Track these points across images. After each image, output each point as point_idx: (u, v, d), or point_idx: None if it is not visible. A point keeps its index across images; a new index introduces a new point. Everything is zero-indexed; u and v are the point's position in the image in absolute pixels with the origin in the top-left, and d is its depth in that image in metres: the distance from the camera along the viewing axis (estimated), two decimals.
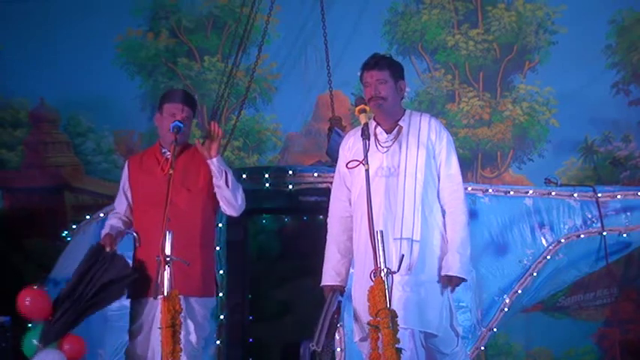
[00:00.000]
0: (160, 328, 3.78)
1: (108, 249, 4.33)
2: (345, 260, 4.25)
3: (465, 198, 4.17)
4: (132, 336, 4.36)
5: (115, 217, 4.54)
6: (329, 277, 4.22)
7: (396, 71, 4.20)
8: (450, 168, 4.16)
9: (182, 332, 3.92)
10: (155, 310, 4.15)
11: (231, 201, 4.40)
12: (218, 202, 4.48)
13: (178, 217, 4.19)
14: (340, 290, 4.21)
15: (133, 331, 4.36)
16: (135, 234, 4.30)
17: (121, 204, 4.57)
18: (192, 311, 4.28)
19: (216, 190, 4.38)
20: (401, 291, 3.92)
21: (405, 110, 4.25)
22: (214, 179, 4.35)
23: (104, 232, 4.48)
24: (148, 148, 4.72)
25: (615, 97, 6.84)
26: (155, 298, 4.11)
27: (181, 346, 3.75)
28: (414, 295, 3.95)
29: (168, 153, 4.37)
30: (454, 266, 4.02)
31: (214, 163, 4.32)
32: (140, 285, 4.31)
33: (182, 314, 3.88)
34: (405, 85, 4.26)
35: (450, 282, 4.04)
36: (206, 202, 4.41)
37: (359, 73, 4.22)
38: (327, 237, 4.30)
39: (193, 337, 4.28)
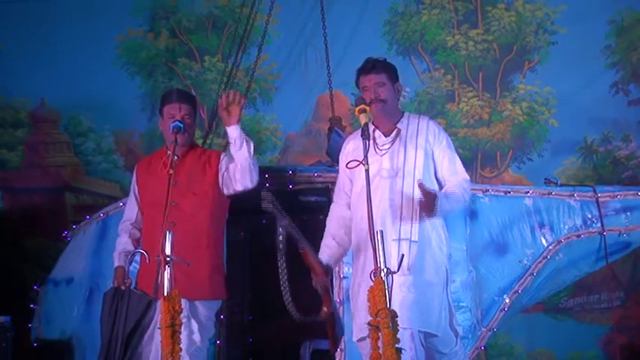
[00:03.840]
0: (159, 328, 3.79)
1: (123, 287, 4.34)
2: (341, 248, 4.30)
3: (468, 192, 4.17)
4: None
5: (125, 234, 4.51)
6: (322, 252, 4.27)
7: (393, 73, 4.23)
8: (455, 165, 4.19)
9: (185, 332, 3.92)
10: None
11: (245, 170, 4.26)
12: (226, 204, 4.48)
13: (184, 221, 4.19)
14: (329, 268, 4.24)
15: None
16: (144, 252, 4.23)
17: (131, 209, 4.55)
18: (195, 312, 4.28)
19: (231, 157, 4.27)
20: (401, 291, 3.92)
21: (403, 113, 4.27)
22: (231, 147, 4.23)
23: (115, 262, 4.46)
24: (157, 150, 4.71)
25: (615, 96, 6.84)
26: (157, 298, 4.12)
27: (182, 345, 3.75)
28: (414, 295, 3.96)
29: (174, 156, 4.33)
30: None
31: (231, 132, 4.21)
32: (146, 286, 4.31)
33: (185, 314, 3.88)
34: (401, 87, 4.29)
35: (423, 189, 3.96)
36: (213, 205, 4.39)
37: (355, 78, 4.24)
38: (325, 231, 4.34)
39: (197, 337, 4.28)
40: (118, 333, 4.25)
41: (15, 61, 7.20)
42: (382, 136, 4.17)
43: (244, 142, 4.23)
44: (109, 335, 4.26)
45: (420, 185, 3.94)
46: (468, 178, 4.23)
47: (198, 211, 4.34)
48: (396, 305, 3.68)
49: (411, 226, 4.03)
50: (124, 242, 4.49)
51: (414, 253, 4.00)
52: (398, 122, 4.20)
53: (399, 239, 4.00)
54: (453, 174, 4.18)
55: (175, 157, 4.28)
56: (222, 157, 4.47)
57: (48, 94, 7.24)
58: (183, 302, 3.80)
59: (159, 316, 3.98)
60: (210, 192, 4.38)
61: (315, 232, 5.67)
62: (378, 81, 4.15)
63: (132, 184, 4.60)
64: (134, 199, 4.55)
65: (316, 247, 4.42)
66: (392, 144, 4.13)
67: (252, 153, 4.26)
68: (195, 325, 4.27)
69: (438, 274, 4.08)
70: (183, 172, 4.29)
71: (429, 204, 3.96)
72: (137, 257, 4.48)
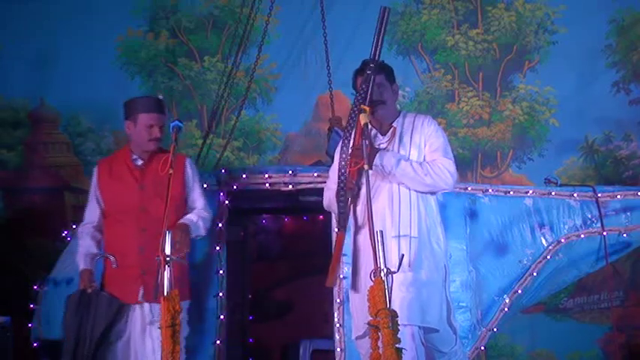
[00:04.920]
0: (159, 328, 3.78)
1: (90, 290, 4.28)
2: None
3: (441, 172, 4.07)
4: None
5: (87, 237, 4.46)
6: None
7: (390, 74, 4.24)
8: (432, 145, 4.13)
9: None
10: (134, 315, 4.20)
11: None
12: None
13: (154, 225, 4.11)
14: None
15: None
16: (110, 257, 4.23)
17: (92, 212, 4.51)
18: None
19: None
20: (400, 290, 3.92)
21: (400, 112, 4.27)
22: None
23: (80, 265, 4.38)
24: (116, 152, 4.68)
25: (616, 96, 6.84)
26: (145, 301, 4.17)
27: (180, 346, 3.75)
28: (414, 292, 3.96)
29: (140, 161, 4.39)
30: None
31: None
32: (116, 290, 4.29)
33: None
34: (397, 87, 4.29)
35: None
36: (179, 208, 4.39)
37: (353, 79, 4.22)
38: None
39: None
40: (86, 336, 4.19)
41: (15, 61, 7.20)
42: (379, 135, 4.17)
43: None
44: (75, 339, 4.19)
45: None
46: (451, 162, 4.10)
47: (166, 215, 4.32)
48: (396, 303, 3.68)
49: (410, 223, 4.03)
50: (87, 245, 4.42)
51: (415, 249, 4.00)
52: (394, 121, 4.21)
53: (399, 236, 4.00)
54: (429, 153, 4.11)
55: (141, 162, 4.37)
56: (186, 163, 4.49)
57: (48, 94, 7.24)
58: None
59: (137, 321, 4.11)
60: (177, 196, 4.35)
61: (315, 233, 5.68)
62: (378, 82, 4.14)
63: (92, 186, 4.52)
64: (95, 202, 4.49)
65: (316, 247, 4.42)
66: (388, 143, 4.14)
67: (202, 231, 4.43)
68: None
69: (437, 269, 4.08)
70: (149, 177, 4.28)
71: (369, 156, 3.90)
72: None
